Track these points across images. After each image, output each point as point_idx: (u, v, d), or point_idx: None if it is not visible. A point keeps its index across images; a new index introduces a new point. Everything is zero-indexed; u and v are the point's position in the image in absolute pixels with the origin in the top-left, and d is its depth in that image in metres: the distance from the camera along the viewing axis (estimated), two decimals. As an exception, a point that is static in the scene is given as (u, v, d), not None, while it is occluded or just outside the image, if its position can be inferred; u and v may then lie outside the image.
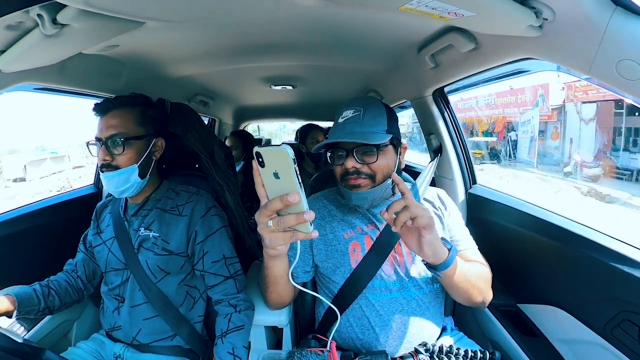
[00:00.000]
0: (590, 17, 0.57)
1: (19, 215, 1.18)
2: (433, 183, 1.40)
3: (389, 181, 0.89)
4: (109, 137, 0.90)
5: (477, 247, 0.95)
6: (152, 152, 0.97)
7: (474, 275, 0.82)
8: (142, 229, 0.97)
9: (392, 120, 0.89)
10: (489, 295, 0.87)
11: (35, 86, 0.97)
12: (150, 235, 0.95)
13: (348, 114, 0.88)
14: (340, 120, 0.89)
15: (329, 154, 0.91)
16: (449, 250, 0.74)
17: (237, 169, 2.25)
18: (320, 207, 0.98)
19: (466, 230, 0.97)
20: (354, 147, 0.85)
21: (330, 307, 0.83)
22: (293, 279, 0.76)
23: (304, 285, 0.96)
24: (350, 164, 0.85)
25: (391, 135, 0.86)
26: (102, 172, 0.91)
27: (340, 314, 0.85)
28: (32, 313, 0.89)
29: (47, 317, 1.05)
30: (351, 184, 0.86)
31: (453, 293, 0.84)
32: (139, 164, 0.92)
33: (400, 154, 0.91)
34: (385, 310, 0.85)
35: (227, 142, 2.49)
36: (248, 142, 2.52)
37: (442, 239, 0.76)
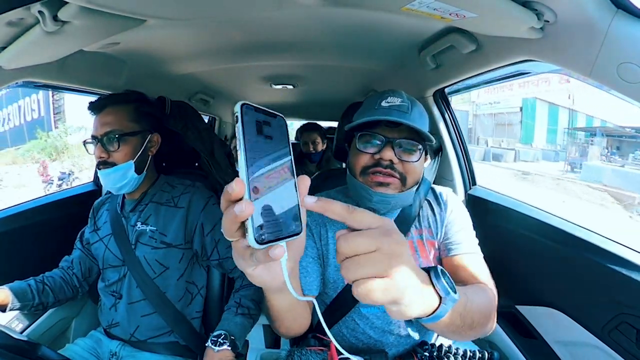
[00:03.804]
0: (591, 20, 0.57)
1: (19, 212, 1.17)
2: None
3: (414, 189, 0.79)
4: (104, 135, 0.90)
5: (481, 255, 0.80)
6: (147, 147, 0.97)
7: (476, 317, 0.54)
8: (139, 224, 0.97)
9: (428, 125, 0.80)
10: (489, 328, 0.64)
11: (35, 82, 0.97)
12: (147, 230, 0.96)
13: (394, 100, 0.75)
14: (384, 103, 0.75)
15: (357, 138, 0.77)
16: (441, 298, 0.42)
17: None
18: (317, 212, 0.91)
19: (469, 233, 0.83)
20: (397, 138, 0.73)
21: (327, 308, 0.82)
22: (304, 293, 0.72)
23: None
24: (388, 155, 0.72)
25: (433, 141, 0.76)
26: (99, 169, 0.92)
27: (333, 325, 0.82)
28: (25, 308, 0.89)
29: (46, 314, 1.05)
30: (377, 180, 0.74)
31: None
32: (135, 159, 0.93)
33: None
34: (381, 322, 0.80)
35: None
36: None
37: (432, 272, 0.43)
